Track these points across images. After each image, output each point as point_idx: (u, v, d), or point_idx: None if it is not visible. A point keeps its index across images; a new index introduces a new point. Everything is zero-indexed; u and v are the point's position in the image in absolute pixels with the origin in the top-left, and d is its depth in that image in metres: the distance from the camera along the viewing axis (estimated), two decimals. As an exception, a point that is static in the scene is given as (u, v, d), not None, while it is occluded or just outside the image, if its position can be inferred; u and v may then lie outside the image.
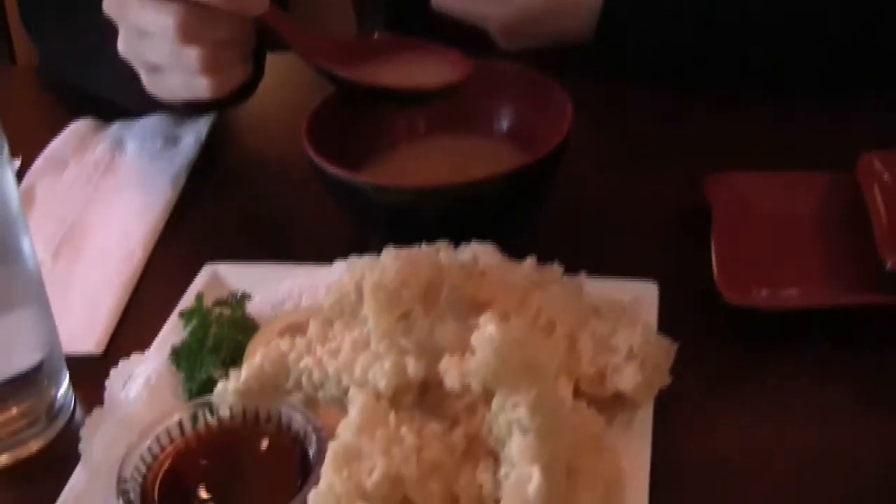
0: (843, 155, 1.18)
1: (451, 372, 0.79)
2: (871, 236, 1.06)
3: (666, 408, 0.93)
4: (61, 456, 0.98)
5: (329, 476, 0.79)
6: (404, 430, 0.82)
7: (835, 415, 0.98)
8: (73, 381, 1.08)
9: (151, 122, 1.55)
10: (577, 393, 0.90)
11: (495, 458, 0.81)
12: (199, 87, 1.23)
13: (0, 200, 0.94)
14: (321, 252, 1.12)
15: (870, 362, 1.02)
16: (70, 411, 1.06)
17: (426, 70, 1.25)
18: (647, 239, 1.22)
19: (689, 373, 0.95)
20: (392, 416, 0.83)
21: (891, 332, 1.03)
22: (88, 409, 0.96)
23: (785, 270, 1.09)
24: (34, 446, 1.03)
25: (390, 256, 0.90)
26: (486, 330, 0.77)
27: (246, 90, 1.33)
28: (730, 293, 1.03)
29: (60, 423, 1.05)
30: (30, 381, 1.02)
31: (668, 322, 0.99)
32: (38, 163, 1.47)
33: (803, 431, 0.95)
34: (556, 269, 1.01)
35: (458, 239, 1.03)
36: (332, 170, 1.13)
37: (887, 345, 1.03)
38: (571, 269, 1.02)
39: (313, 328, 0.92)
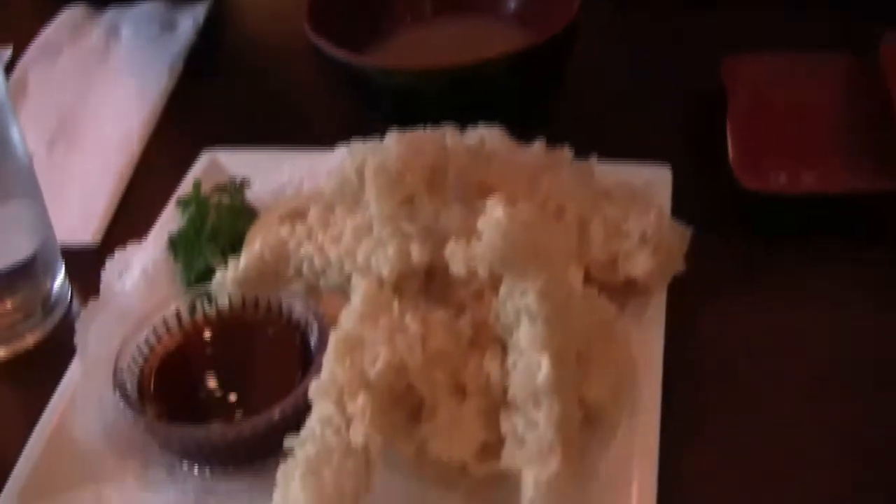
0: (863, 37, 1.14)
1: (456, 257, 0.76)
2: (891, 122, 1.02)
3: (679, 295, 0.90)
4: (58, 349, 0.96)
5: (331, 365, 0.77)
6: (408, 317, 0.79)
7: (848, 301, 0.95)
8: (70, 273, 1.06)
9: (147, 8, 1.51)
10: (588, 280, 0.88)
11: (503, 347, 0.79)
12: None
13: (-13, 88, 0.91)
14: (323, 137, 1.09)
15: (885, 249, 0.99)
16: (67, 303, 1.05)
17: None
18: (662, 123, 1.18)
19: (702, 259, 0.92)
20: (396, 304, 0.80)
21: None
22: (85, 301, 0.94)
23: (802, 155, 1.05)
24: (30, 340, 1.01)
25: (393, 139, 0.86)
26: (494, 213, 0.74)
27: None
28: (745, 177, 1.00)
29: (57, 315, 1.03)
30: (24, 274, 1.00)
31: (682, 207, 0.97)
32: (31, 51, 1.44)
33: (818, 318, 0.93)
34: (566, 152, 0.97)
35: (464, 123, 0.99)
36: (334, 52, 1.09)
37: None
38: (582, 153, 0.99)
39: (314, 214, 0.89)
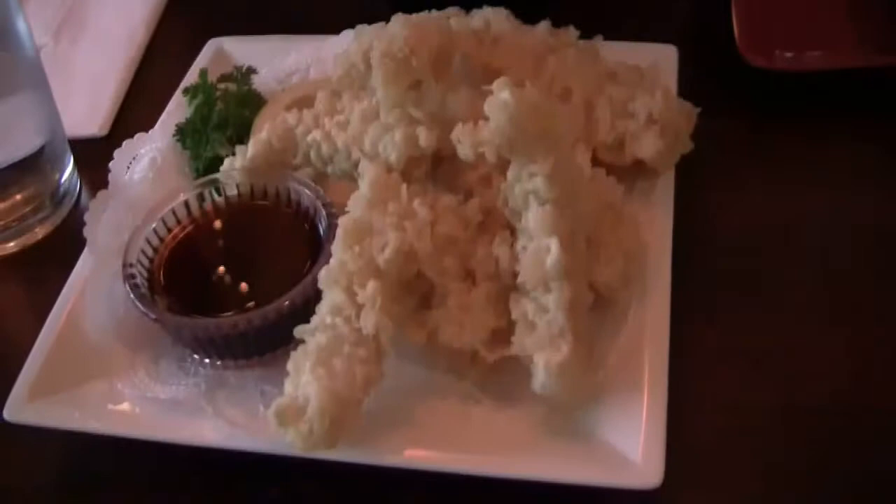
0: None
1: (464, 141, 0.76)
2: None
3: (687, 175, 0.90)
4: (68, 241, 0.97)
5: (340, 253, 0.77)
6: (417, 203, 0.79)
7: (853, 178, 0.95)
8: (79, 165, 1.06)
9: None
10: (596, 161, 0.87)
11: (512, 231, 0.78)
12: None
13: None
14: (329, 24, 1.08)
15: (889, 125, 0.98)
16: (76, 195, 1.05)
17: None
18: (666, 3, 1.16)
19: (710, 139, 0.91)
20: (404, 190, 0.80)
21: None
22: (94, 193, 0.93)
23: (808, 32, 1.04)
24: (40, 232, 1.02)
25: (398, 23, 0.84)
26: (500, 96, 0.73)
27: None
28: (751, 55, 0.99)
29: (66, 207, 1.04)
30: (32, 167, 1.00)
31: (689, 86, 0.95)
32: (34, -57, 1.42)
33: (825, 196, 0.93)
34: (571, 32, 0.96)
35: (469, 5, 0.98)
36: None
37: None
38: (587, 33, 0.97)
39: (321, 100, 0.89)
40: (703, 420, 0.78)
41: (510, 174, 0.76)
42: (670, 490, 0.71)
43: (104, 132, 1.11)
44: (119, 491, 0.82)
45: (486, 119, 0.74)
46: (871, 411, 0.78)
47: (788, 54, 1.01)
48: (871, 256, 0.88)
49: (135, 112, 1.13)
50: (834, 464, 0.76)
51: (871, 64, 0.99)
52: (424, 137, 0.81)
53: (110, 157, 0.97)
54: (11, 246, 1.00)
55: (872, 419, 0.78)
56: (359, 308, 0.74)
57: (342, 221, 0.78)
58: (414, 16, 0.87)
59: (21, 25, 0.94)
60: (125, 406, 0.81)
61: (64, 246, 0.97)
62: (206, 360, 0.83)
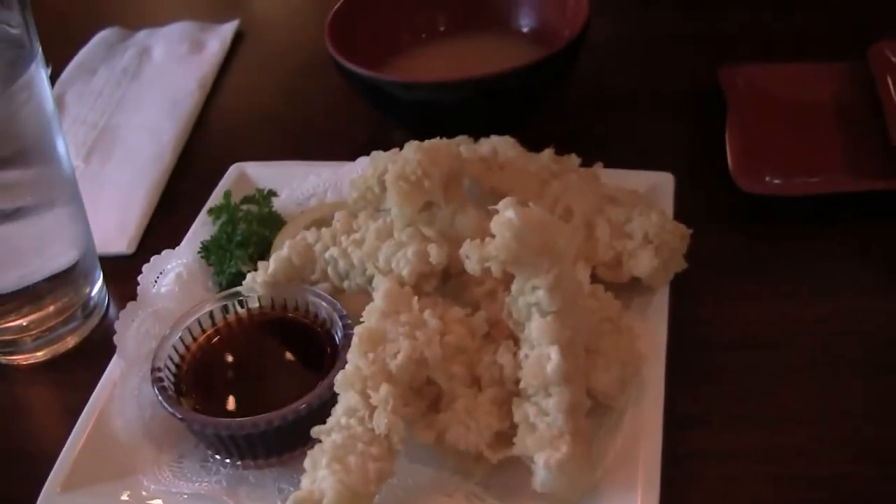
0: (856, 45, 1.20)
1: (471, 256, 0.81)
2: (883, 123, 1.08)
3: (682, 292, 0.95)
4: (96, 350, 1.02)
5: (355, 359, 0.82)
6: (427, 314, 0.84)
7: (847, 294, 1.00)
8: (107, 280, 1.11)
9: (177, 29, 1.58)
10: (595, 279, 0.93)
11: (515, 341, 0.84)
12: None
13: (36, 102, 0.96)
14: (345, 150, 1.14)
15: (881, 245, 1.04)
16: (104, 308, 1.10)
17: None
18: (664, 131, 1.24)
19: (705, 259, 0.97)
20: (415, 301, 0.85)
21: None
22: (121, 306, 0.98)
23: (798, 159, 1.10)
24: (71, 342, 1.06)
25: (412, 149, 0.91)
26: (506, 214, 0.79)
27: None
28: (744, 181, 1.05)
29: (95, 319, 1.09)
30: (66, 280, 1.05)
31: (685, 211, 1.01)
32: (68, 71, 1.50)
33: (814, 309, 0.98)
34: (573, 158, 1.02)
35: (478, 133, 1.05)
36: (356, 69, 1.14)
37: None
38: (588, 161, 1.04)
39: (338, 219, 0.95)
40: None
41: (514, 287, 0.82)
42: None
43: (132, 250, 1.16)
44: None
45: (493, 236, 0.80)
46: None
47: (779, 180, 1.07)
48: (858, 359, 0.93)
49: (160, 231, 1.18)
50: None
51: (859, 188, 1.05)
52: (435, 254, 0.87)
53: (136, 273, 1.03)
54: (41, 354, 1.05)
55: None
56: (372, 409, 0.79)
57: (357, 330, 0.84)
58: (426, 142, 0.93)
59: (60, 144, 1.00)
60: (152, 501, 0.85)
61: (93, 354, 1.01)
62: (227, 460, 0.87)
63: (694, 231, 0.97)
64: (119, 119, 1.39)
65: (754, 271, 1.03)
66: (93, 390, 0.93)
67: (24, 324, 1.04)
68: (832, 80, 1.19)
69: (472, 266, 0.81)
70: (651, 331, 0.91)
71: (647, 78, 1.34)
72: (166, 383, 0.88)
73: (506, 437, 0.81)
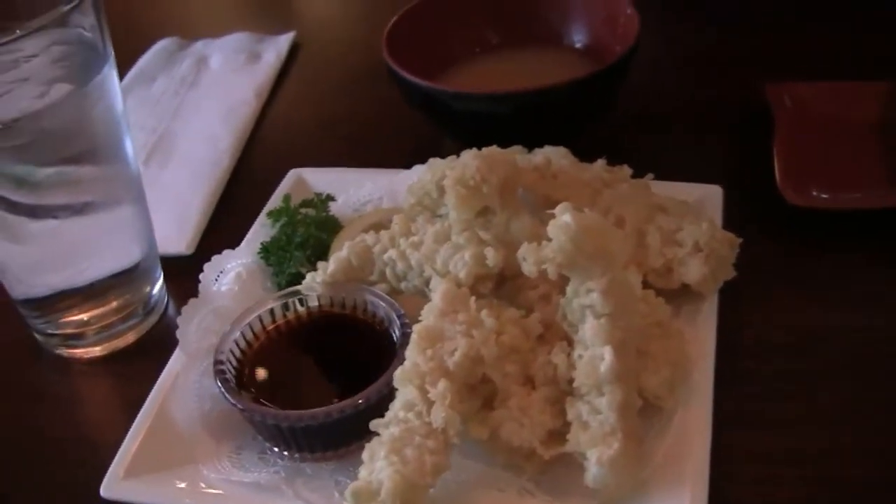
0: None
1: (528, 258, 0.84)
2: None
3: (730, 299, 0.97)
4: (155, 347, 1.06)
5: (414, 356, 0.85)
6: (484, 313, 0.87)
7: (890, 305, 1.02)
8: (166, 280, 1.15)
9: (233, 40, 1.62)
10: (646, 285, 0.95)
11: (569, 342, 0.86)
12: None
13: (108, 103, 1.00)
14: (399, 159, 1.17)
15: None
16: (164, 307, 1.13)
17: None
18: (713, 145, 1.26)
19: (752, 269, 1.00)
20: (473, 302, 0.88)
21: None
22: (180, 305, 1.01)
23: (843, 174, 1.13)
24: (131, 338, 1.10)
25: (470, 155, 0.94)
26: (562, 218, 0.82)
27: None
28: (792, 195, 1.08)
29: (154, 317, 1.12)
30: (128, 278, 1.08)
31: (733, 222, 1.03)
32: (128, 78, 1.54)
33: (859, 320, 1.00)
34: (625, 169, 1.05)
35: (531, 144, 1.08)
36: (413, 79, 1.17)
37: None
38: (639, 173, 1.06)
39: (396, 223, 0.98)
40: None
41: (569, 290, 0.84)
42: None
43: (190, 251, 1.19)
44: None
45: (548, 241, 0.82)
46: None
47: (825, 195, 1.09)
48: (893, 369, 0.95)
49: (218, 233, 1.22)
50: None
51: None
52: (492, 257, 0.89)
53: (195, 274, 1.05)
54: (100, 349, 1.09)
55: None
56: (430, 404, 0.82)
57: (416, 328, 0.86)
58: (484, 149, 0.96)
59: (128, 144, 1.03)
60: (211, 488, 0.88)
61: (152, 350, 1.05)
62: (285, 453, 0.90)
63: (742, 241, 0.99)
64: (177, 125, 1.43)
65: (799, 281, 1.05)
66: (151, 385, 0.96)
67: (86, 319, 1.07)
68: (877, 99, 1.22)
69: (528, 268, 0.84)
70: (700, 336, 0.93)
71: (695, 95, 1.36)
72: (228, 375, 0.91)
73: (558, 434, 0.84)
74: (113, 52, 0.99)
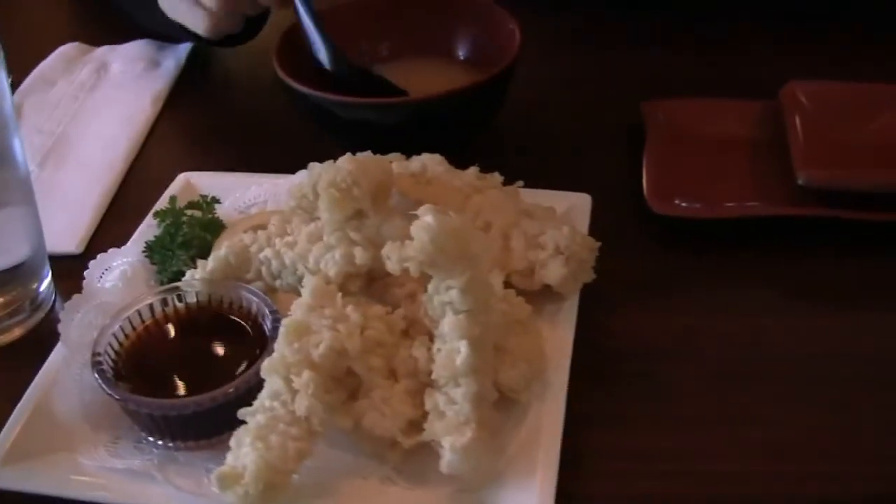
0: (772, 85, 1.28)
1: (392, 256, 0.88)
2: (790, 157, 1.15)
3: (591, 304, 1.03)
4: (41, 342, 1.07)
5: (281, 347, 0.89)
6: (350, 309, 0.91)
7: (747, 310, 1.08)
8: (55, 277, 1.17)
9: (135, 47, 1.64)
10: (510, 287, 0.99)
11: (430, 338, 0.91)
12: (196, 19, 1.34)
13: (-3, 101, 1.02)
14: (289, 166, 1.20)
15: (786, 265, 1.13)
16: (51, 303, 1.16)
17: None
18: (585, 158, 1.32)
19: (616, 275, 1.05)
20: (339, 298, 0.92)
21: (806, 241, 1.13)
22: (67, 301, 1.04)
23: (710, 186, 1.18)
24: (17, 333, 1.13)
25: (345, 160, 0.98)
26: (425, 219, 0.86)
27: (237, 39, 1.43)
28: (656, 203, 1.13)
29: (42, 313, 1.15)
30: (16, 275, 1.11)
31: (601, 230, 1.08)
32: (27, 82, 1.56)
33: (711, 324, 1.06)
34: (496, 176, 1.09)
35: (415, 153, 1.12)
36: (300, 87, 1.21)
37: (801, 253, 1.13)
38: (511, 180, 1.11)
39: (273, 223, 1.02)
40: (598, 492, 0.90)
41: (430, 287, 0.89)
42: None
43: (80, 250, 1.22)
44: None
45: (412, 239, 0.87)
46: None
47: (688, 205, 1.15)
48: (754, 371, 1.00)
49: (108, 233, 1.24)
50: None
51: (763, 213, 1.13)
52: (360, 256, 0.94)
53: (83, 272, 1.09)
54: (-17, 345, 1.11)
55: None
56: (294, 393, 0.86)
57: (285, 321, 0.90)
58: (359, 155, 1.01)
59: (17, 145, 1.06)
60: (85, 475, 0.91)
61: (37, 345, 1.07)
62: (160, 442, 0.93)
63: (607, 248, 1.03)
64: (74, 129, 1.45)
65: (663, 287, 1.10)
66: (35, 377, 0.99)
67: (-29, 314, 1.10)
68: (746, 117, 1.27)
69: (392, 265, 0.88)
70: (558, 335, 0.98)
71: (573, 111, 1.42)
72: (105, 367, 0.94)
73: (418, 425, 0.88)
74: (3, 56, 1.02)
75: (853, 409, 0.96)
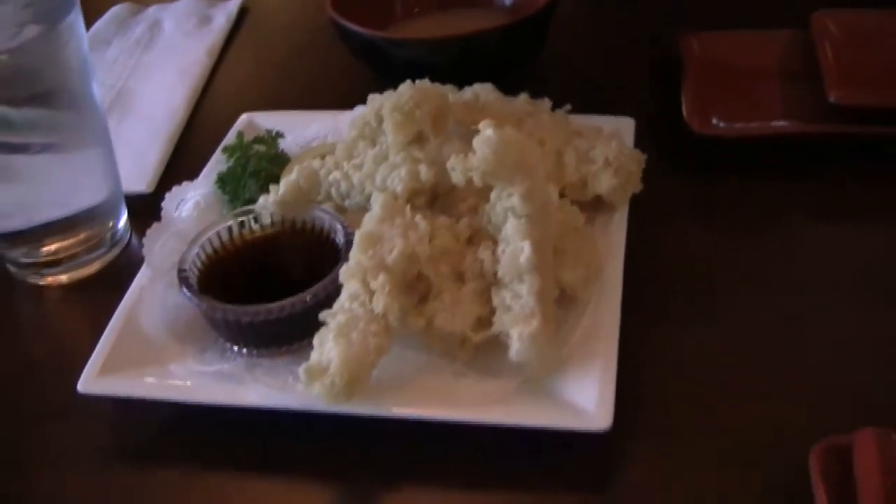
0: (803, 13, 1.35)
1: (456, 168, 0.94)
2: (820, 81, 1.22)
3: (639, 216, 1.09)
4: (119, 274, 1.14)
5: (356, 255, 0.95)
6: (419, 218, 0.98)
7: (786, 224, 1.15)
8: (129, 217, 1.24)
9: (185, 4, 1.72)
10: (563, 198, 1.06)
11: (494, 242, 0.97)
12: None
13: (75, 45, 1.09)
14: (343, 104, 1.26)
15: (819, 182, 1.19)
16: (127, 240, 1.23)
17: None
18: (627, 86, 1.39)
19: (661, 190, 1.12)
20: (408, 209, 0.99)
21: (837, 159, 1.20)
22: (142, 239, 1.10)
23: (746, 110, 1.25)
24: (96, 266, 1.20)
25: (405, 86, 1.05)
26: (486, 133, 0.93)
27: None
28: (696, 124, 1.20)
29: (119, 248, 1.22)
30: (97, 213, 1.18)
31: (642, 149, 1.13)
32: (84, 42, 1.63)
33: (749, 237, 1.13)
34: (546, 102, 1.16)
35: (461, 83, 1.18)
36: (353, 27, 1.29)
37: (834, 171, 1.20)
38: (559, 106, 1.17)
39: (340, 149, 1.09)
40: (652, 379, 0.97)
41: (493, 195, 0.95)
42: (620, 437, 0.89)
43: (151, 189, 1.29)
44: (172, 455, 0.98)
45: (475, 151, 0.93)
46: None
47: (726, 125, 1.22)
48: (798, 281, 1.07)
49: (175, 175, 1.30)
50: (784, 423, 0.92)
51: (797, 131, 1.20)
52: (425, 173, 1.00)
53: (155, 212, 1.15)
54: (66, 278, 1.18)
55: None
56: (371, 294, 0.92)
57: (358, 232, 0.97)
58: (418, 82, 1.07)
59: (95, 88, 1.13)
60: (177, 380, 0.98)
61: (115, 277, 1.15)
62: (244, 350, 1.00)
63: (650, 168, 1.10)
64: (135, 82, 1.52)
65: (705, 201, 1.18)
66: (117, 305, 1.04)
67: (54, 249, 1.17)
68: (779, 46, 1.35)
69: (457, 177, 0.94)
70: (611, 241, 1.04)
71: (615, 44, 1.50)
72: (191, 281, 1.00)
73: (486, 322, 0.94)
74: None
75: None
